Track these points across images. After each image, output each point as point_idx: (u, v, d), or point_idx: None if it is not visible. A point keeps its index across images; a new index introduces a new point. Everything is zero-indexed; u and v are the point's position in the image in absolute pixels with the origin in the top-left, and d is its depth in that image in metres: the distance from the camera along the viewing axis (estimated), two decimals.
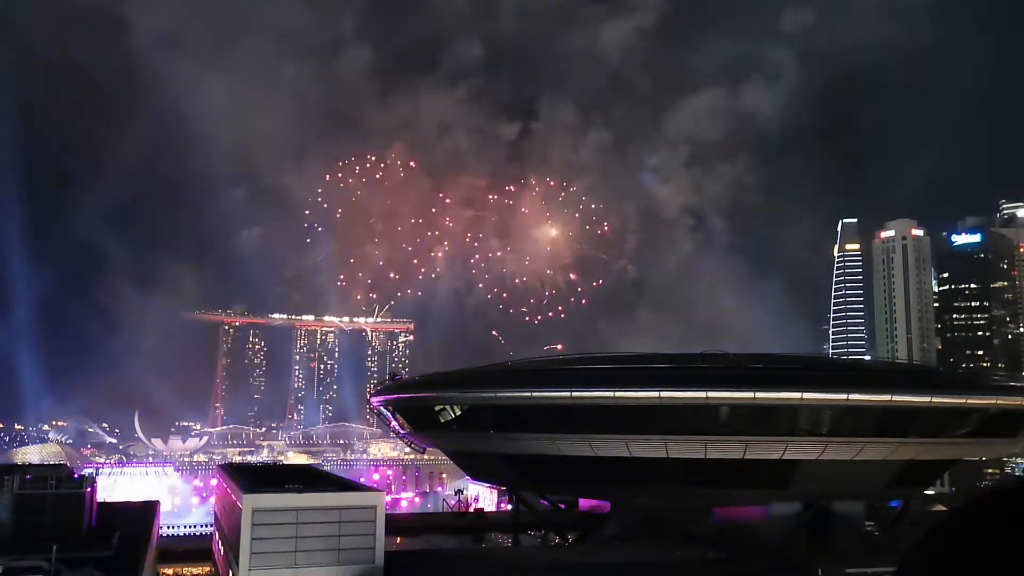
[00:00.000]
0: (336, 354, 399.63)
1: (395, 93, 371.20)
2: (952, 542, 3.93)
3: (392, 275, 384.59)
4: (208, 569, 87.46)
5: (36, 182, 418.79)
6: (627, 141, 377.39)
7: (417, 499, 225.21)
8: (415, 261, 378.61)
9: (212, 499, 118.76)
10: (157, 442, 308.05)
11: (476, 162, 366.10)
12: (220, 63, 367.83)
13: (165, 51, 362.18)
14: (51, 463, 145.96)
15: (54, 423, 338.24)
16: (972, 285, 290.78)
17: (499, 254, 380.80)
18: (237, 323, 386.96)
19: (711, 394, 71.21)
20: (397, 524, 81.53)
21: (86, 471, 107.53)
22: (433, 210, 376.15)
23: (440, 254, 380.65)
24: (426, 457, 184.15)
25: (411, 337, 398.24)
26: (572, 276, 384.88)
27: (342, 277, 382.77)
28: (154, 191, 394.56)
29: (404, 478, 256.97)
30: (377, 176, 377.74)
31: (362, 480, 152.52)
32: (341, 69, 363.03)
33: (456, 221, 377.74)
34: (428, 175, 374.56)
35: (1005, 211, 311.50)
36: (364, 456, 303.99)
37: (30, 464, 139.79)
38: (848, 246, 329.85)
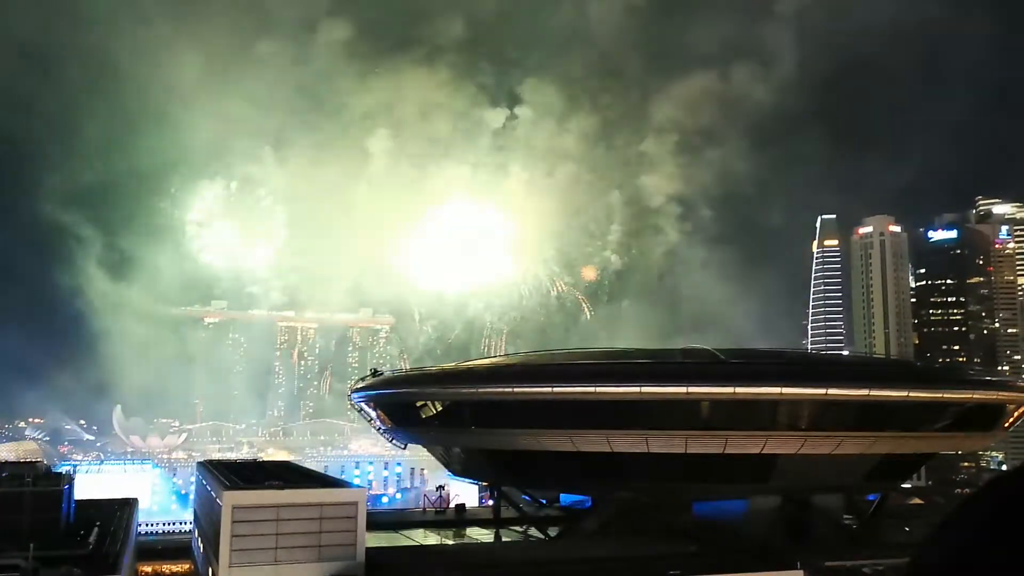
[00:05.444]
0: (316, 350, 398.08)
1: (372, 75, 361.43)
2: (969, 527, 3.97)
3: (373, 269, 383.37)
4: (188, 566, 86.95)
5: None
6: (613, 126, 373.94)
7: (398, 495, 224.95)
8: (396, 255, 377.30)
9: (191, 496, 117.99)
10: (135, 439, 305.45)
11: (458, 149, 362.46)
12: (192, 38, 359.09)
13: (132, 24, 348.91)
14: (28, 461, 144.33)
15: (30, 420, 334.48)
16: (948, 280, 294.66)
17: (482, 246, 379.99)
18: (217, 319, 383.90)
19: (691, 389, 71.63)
20: (378, 520, 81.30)
21: (63, 468, 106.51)
22: (414, 200, 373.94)
23: (422, 247, 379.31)
24: (407, 453, 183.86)
25: (392, 333, 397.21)
26: (555, 269, 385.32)
27: (323, 272, 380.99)
28: (129, 179, 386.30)
29: (385, 474, 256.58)
30: (356, 164, 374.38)
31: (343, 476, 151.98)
32: (316, 49, 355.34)
33: (438, 211, 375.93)
34: (409, 163, 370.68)
35: (981, 207, 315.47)
36: (345, 452, 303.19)
37: (6, 462, 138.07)
38: (827, 242, 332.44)
